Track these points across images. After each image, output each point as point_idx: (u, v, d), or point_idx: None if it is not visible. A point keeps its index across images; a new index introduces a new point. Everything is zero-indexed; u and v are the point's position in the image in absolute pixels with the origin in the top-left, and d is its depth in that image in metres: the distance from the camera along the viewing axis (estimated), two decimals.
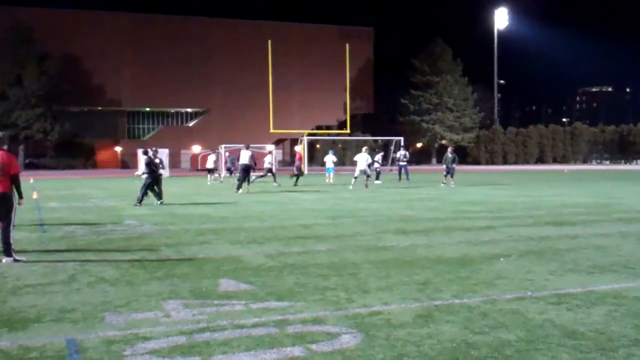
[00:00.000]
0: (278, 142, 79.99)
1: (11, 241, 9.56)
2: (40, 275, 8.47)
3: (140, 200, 19.52)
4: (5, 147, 9.84)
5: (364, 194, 24.50)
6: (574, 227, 13.42)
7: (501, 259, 9.47)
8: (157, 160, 20.73)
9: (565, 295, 7.06)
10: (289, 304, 6.75)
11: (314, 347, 5.25)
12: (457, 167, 29.41)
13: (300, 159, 34.46)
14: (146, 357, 5.04)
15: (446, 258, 9.61)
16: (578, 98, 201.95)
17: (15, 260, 9.43)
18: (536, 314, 6.30)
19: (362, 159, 27.93)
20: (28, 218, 15.41)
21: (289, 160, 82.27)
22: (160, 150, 21.96)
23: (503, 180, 37.10)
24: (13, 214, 9.64)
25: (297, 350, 5.16)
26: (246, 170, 25.23)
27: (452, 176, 28.96)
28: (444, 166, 29.41)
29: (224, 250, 10.62)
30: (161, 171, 20.98)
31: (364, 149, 29.92)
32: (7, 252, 9.50)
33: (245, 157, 25.21)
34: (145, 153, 20.58)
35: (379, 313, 6.33)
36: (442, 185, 28.57)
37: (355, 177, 28.08)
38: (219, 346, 5.29)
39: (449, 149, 29.85)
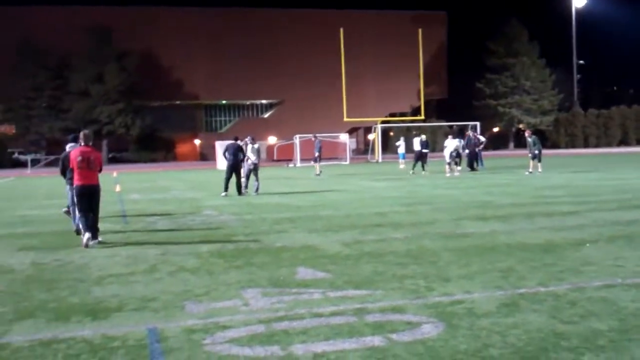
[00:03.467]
0: (352, 131, 79.81)
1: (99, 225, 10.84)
2: (123, 266, 8.65)
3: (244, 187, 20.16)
4: (91, 143, 10.78)
5: (440, 181, 24.13)
6: None
7: (587, 245, 9.10)
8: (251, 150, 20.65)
9: None
10: (367, 293, 6.65)
11: (394, 336, 5.14)
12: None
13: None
14: (226, 346, 5.04)
15: (529, 244, 9.30)
16: None
17: (100, 242, 10.63)
18: (628, 302, 5.99)
19: (452, 144, 27.33)
20: (111, 210, 15.83)
21: (362, 148, 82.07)
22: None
23: (584, 163, 35.89)
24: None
25: (377, 340, 5.06)
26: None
27: (539, 160, 26.84)
28: (529, 152, 27.12)
29: (301, 238, 10.61)
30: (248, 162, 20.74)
31: (449, 136, 29.39)
32: (95, 236, 10.60)
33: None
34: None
35: (461, 302, 6.16)
36: (527, 173, 26.66)
37: (449, 164, 27.49)
38: (298, 335, 5.25)
39: (527, 133, 28.17)
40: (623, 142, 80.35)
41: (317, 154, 31.96)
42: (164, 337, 5.35)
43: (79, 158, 10.48)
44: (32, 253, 9.95)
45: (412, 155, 31.02)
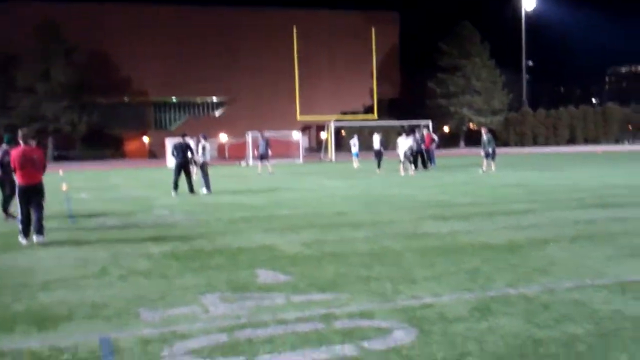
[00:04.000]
0: (304, 129, 79.49)
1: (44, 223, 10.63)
2: (71, 268, 8.17)
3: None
4: (34, 142, 10.66)
5: (394, 180, 24.00)
6: (623, 209, 12.80)
7: (550, 244, 8.98)
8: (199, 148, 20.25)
9: (630, 284, 6.56)
10: (332, 296, 6.35)
11: (365, 344, 4.84)
12: (482, 151, 27.01)
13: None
14: (186, 358, 4.67)
15: (492, 244, 9.13)
16: (607, 78, 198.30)
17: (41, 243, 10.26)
18: (601, 304, 5.82)
19: (406, 143, 27.12)
20: (57, 210, 15.19)
21: (315, 147, 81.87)
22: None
23: (536, 162, 36.29)
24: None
25: (348, 349, 4.75)
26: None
27: (493, 159, 26.87)
28: (482, 151, 27.17)
29: (258, 239, 10.25)
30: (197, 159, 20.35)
31: (403, 134, 29.25)
32: (40, 231, 10.44)
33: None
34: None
35: (431, 305, 5.90)
36: (481, 171, 26.57)
37: (403, 162, 27.25)
38: (263, 344, 4.91)
39: (484, 130, 28.08)
40: (571, 141, 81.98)
41: (261, 153, 31.30)
42: (118, 348, 4.94)
43: (22, 159, 10.38)
44: None
45: (367, 154, 30.87)
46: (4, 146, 13.47)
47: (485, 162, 27.09)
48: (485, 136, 27.04)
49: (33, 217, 10.46)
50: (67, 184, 24.35)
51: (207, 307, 6.08)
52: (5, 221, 13.57)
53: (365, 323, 5.41)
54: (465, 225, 11.17)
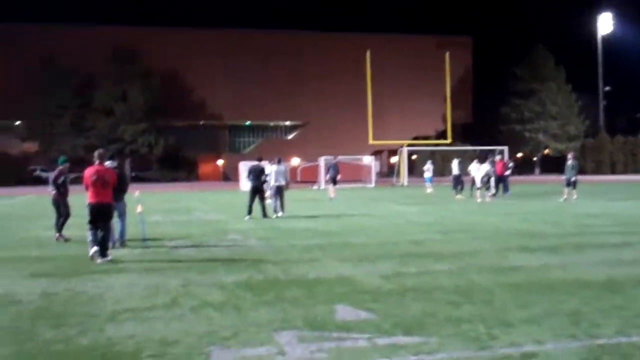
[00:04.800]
0: (375, 153, 78.93)
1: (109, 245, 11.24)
2: (141, 298, 7.85)
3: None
4: (106, 162, 11.34)
5: (471, 207, 23.16)
6: None
7: None
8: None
9: None
10: (420, 340, 5.77)
11: None
12: (559, 178, 25.57)
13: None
14: None
15: (588, 281, 8.37)
16: None
17: (110, 261, 10.63)
18: None
19: (483, 169, 26.22)
20: (131, 232, 15.02)
21: (386, 171, 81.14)
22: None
23: (617, 191, 34.66)
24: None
25: None
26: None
27: (574, 187, 25.60)
28: (565, 177, 25.80)
29: (334, 269, 9.75)
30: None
31: (475, 160, 28.49)
32: (104, 253, 10.73)
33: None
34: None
35: (534, 355, 5.27)
36: (562, 200, 25.32)
37: (479, 188, 26.40)
38: None
39: (570, 155, 26.76)
40: None
41: (332, 176, 30.42)
42: None
43: (94, 177, 10.79)
44: (43, 280, 9.17)
45: (438, 179, 30.08)
46: (60, 167, 13.62)
47: (566, 190, 25.89)
48: (570, 161, 25.80)
49: (100, 236, 10.72)
50: (141, 205, 24.41)
51: (283, 348, 5.61)
52: (56, 241, 13.74)
53: None
54: (555, 258, 10.39)
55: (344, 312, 6.90)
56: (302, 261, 10.58)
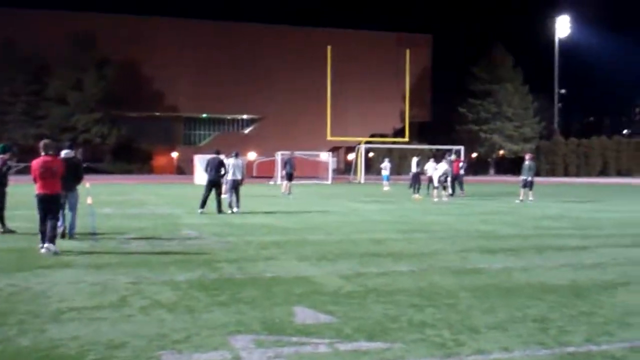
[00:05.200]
0: (333, 150, 78.83)
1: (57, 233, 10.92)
2: (88, 296, 7.39)
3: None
4: (52, 152, 10.97)
5: (429, 206, 23.07)
6: None
7: (618, 289, 8.04)
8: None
9: None
10: (384, 346, 5.47)
11: None
12: (513, 179, 25.64)
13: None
14: None
15: (552, 286, 8.19)
16: (638, 109, 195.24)
17: (55, 254, 10.29)
18: None
19: (441, 168, 26.03)
20: (80, 225, 14.42)
21: (342, 168, 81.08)
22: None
23: (571, 193, 35.09)
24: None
25: None
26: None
27: (530, 188, 25.63)
28: (522, 178, 25.86)
29: (293, 268, 9.42)
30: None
31: (432, 159, 28.44)
32: (52, 240, 10.52)
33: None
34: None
35: None
36: (518, 201, 25.42)
37: (436, 188, 26.26)
38: None
39: (528, 156, 26.84)
40: (603, 173, 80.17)
41: (288, 172, 30.24)
42: None
43: (42, 168, 10.62)
44: None
45: (395, 178, 29.97)
46: (1, 156, 13.17)
47: (522, 191, 25.98)
48: (528, 162, 25.90)
49: (47, 225, 10.56)
50: (92, 197, 23.72)
51: (239, 353, 5.25)
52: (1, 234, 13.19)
53: None
54: (517, 261, 10.23)
55: (303, 314, 6.57)
56: (258, 259, 10.22)
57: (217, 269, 9.22)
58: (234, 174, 19.36)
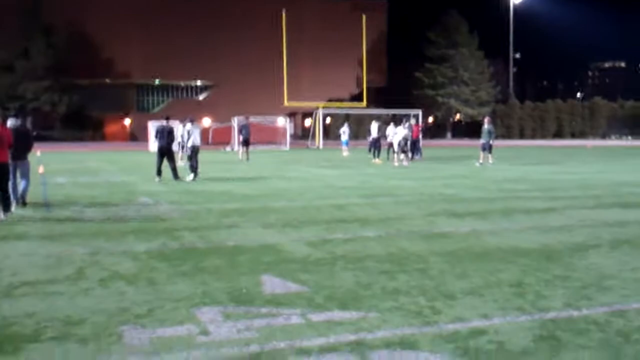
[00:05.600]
0: (290, 115, 78.27)
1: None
2: (42, 269, 6.97)
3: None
4: (9, 120, 11.33)
5: (389, 170, 22.93)
6: None
7: (590, 251, 7.93)
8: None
9: None
10: (358, 315, 5.22)
11: None
12: (470, 142, 25.87)
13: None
14: None
15: (524, 249, 8.05)
16: (590, 73, 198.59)
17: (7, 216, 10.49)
18: None
19: (401, 133, 25.81)
20: (32, 195, 13.83)
21: (300, 134, 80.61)
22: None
23: (528, 155, 35.36)
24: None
25: None
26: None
27: (490, 152, 25.79)
28: (481, 141, 25.91)
29: (257, 235, 9.11)
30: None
31: (392, 124, 28.32)
32: (6, 208, 10.59)
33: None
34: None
35: (483, 332, 4.79)
36: (478, 164, 25.39)
37: (396, 152, 26.06)
38: None
39: (486, 120, 26.90)
40: (557, 135, 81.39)
41: (244, 138, 30.39)
42: None
43: None
44: None
45: (358, 142, 29.76)
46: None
47: (482, 154, 26.04)
48: (487, 126, 25.99)
49: None
50: (44, 166, 22.94)
51: (206, 327, 4.94)
52: None
53: (410, 357, 4.29)
54: (485, 224, 10.09)
55: (272, 284, 6.28)
56: (220, 227, 9.87)
57: (177, 238, 8.86)
58: (194, 139, 18.85)
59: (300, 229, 9.69)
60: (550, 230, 9.47)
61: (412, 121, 32.53)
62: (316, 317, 5.19)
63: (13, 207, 11.15)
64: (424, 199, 13.63)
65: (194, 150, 18.89)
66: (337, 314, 5.27)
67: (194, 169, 18.82)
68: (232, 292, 5.96)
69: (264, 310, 5.38)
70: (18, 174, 11.98)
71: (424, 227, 9.87)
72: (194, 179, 18.39)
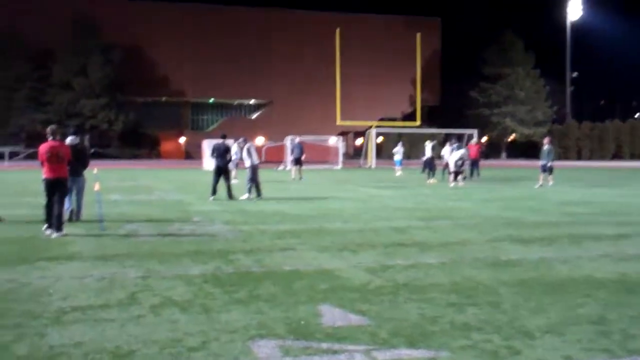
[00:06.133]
0: (342, 134, 78.09)
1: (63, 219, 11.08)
2: (94, 293, 6.73)
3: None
4: (58, 137, 11.10)
5: (445, 191, 22.35)
6: None
7: None
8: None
9: None
10: (429, 354, 4.79)
11: None
12: (526, 163, 25.03)
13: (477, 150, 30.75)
14: None
15: (600, 280, 7.49)
16: None
17: (65, 235, 10.63)
18: None
19: (458, 153, 25.20)
20: (87, 213, 13.78)
21: (351, 153, 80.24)
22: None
23: (588, 177, 34.21)
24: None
25: None
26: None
27: (550, 173, 25.00)
28: (541, 163, 25.18)
29: (313, 259, 8.75)
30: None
31: (447, 144, 27.85)
32: (60, 227, 10.72)
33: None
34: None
35: None
36: (537, 186, 24.52)
37: (451, 173, 25.49)
38: None
39: (546, 140, 26.10)
40: (616, 156, 79.10)
41: (296, 157, 30.40)
42: None
43: (48, 153, 10.74)
44: None
45: (411, 162, 29.28)
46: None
47: (541, 175, 25.23)
48: (546, 146, 25.18)
49: (55, 211, 10.70)
50: (99, 183, 23.05)
51: None
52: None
53: None
54: (554, 251, 9.52)
55: (332, 315, 5.90)
56: (274, 250, 9.55)
57: (232, 262, 8.55)
58: (253, 159, 18.52)
59: (358, 253, 9.29)
60: (626, 259, 8.87)
61: (473, 141, 32.05)
62: (382, 355, 4.79)
63: (65, 227, 11.05)
64: (484, 223, 13.07)
65: (255, 170, 18.52)
66: (405, 352, 4.85)
67: (257, 189, 18.42)
68: (290, 324, 5.60)
69: (324, 345, 5.00)
70: (74, 191, 12.60)
71: (488, 253, 9.36)
72: (253, 198, 18.10)
